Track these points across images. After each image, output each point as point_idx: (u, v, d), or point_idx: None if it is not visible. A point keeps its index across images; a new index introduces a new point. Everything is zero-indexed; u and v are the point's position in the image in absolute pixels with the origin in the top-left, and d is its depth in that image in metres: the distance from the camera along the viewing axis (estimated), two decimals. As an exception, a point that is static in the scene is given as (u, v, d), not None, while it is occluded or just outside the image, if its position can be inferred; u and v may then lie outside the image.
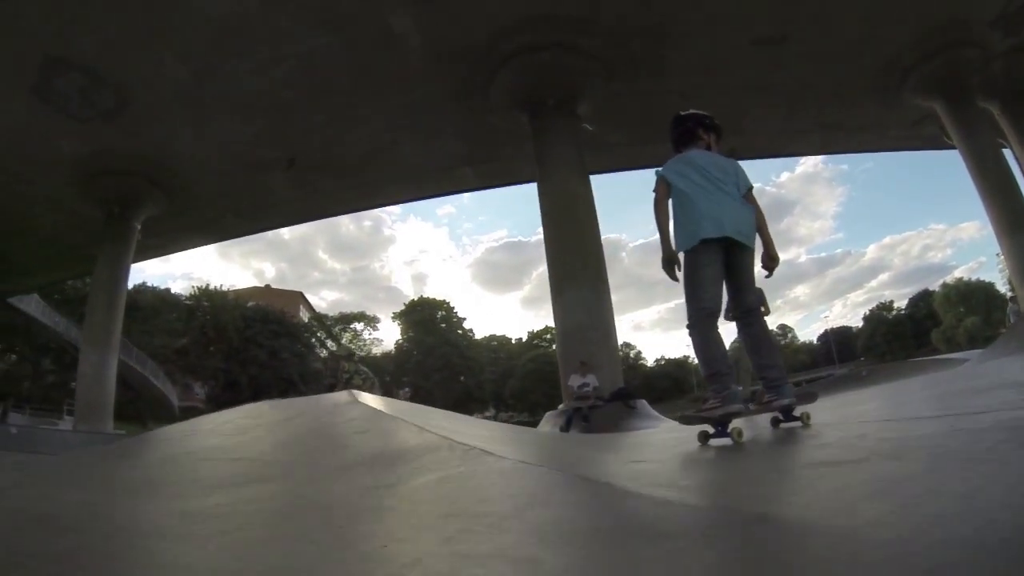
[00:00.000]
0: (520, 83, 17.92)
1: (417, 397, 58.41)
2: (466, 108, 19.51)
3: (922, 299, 72.73)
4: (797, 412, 3.57)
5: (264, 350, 41.46)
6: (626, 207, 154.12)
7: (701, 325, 3.56)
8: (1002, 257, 26.63)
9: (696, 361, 4.28)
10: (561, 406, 14.62)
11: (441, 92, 18.95)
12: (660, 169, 3.82)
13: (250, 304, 47.79)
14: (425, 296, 71.50)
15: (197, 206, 24.00)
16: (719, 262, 3.60)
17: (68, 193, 22.01)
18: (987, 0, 18.03)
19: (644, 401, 14.68)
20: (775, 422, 3.67)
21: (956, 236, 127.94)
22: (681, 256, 3.64)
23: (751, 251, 3.70)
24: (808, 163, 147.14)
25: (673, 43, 17.74)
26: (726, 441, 3.20)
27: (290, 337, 43.80)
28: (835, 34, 18.18)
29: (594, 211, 17.69)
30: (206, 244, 30.46)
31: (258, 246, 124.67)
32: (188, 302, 44.61)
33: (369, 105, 19.32)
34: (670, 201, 3.76)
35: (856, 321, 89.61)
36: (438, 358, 59.77)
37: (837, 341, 78.96)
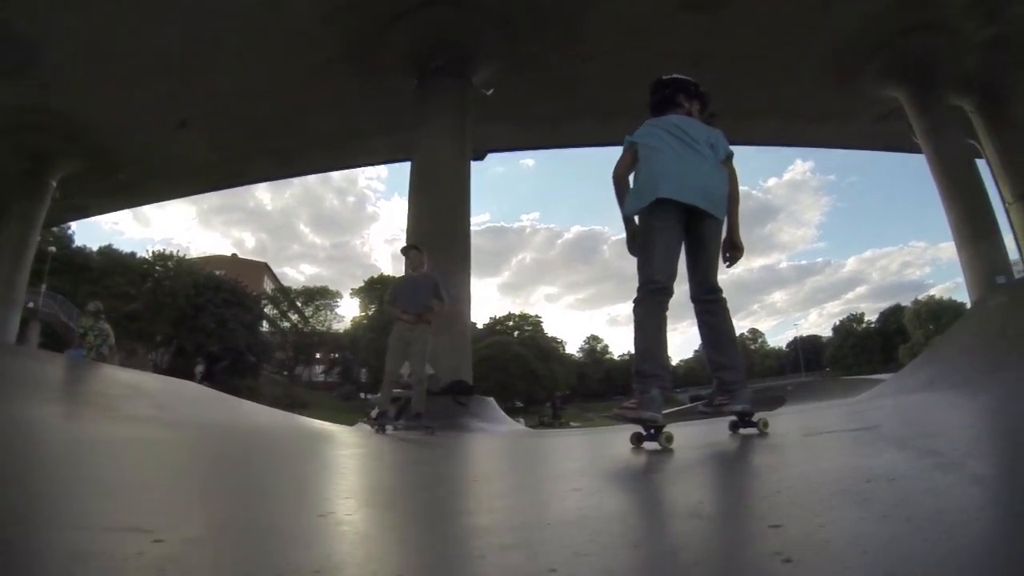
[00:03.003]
0: (409, 44, 16.28)
1: (372, 376, 57.16)
2: (364, 73, 17.95)
3: (893, 314, 72.06)
4: (755, 418, 3.35)
5: (213, 319, 40.04)
6: (611, 199, 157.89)
7: (647, 304, 3.20)
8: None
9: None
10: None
11: (336, 55, 17.46)
12: (629, 135, 3.47)
13: (217, 272, 46.62)
14: (389, 275, 70.03)
15: (117, 167, 22.88)
16: (676, 229, 3.24)
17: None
18: (963, -22, 15.79)
19: (491, 400, 13.04)
20: (733, 427, 3.45)
21: (936, 255, 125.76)
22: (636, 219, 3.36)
23: (718, 223, 3.31)
24: (796, 170, 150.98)
25: (587, 1, 15.66)
26: (654, 445, 3.02)
27: (242, 307, 42.18)
28: (779, 3, 16.02)
29: (466, 184, 16.09)
30: (133, 207, 29.92)
31: (240, 215, 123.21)
32: (143, 266, 43.31)
33: (266, 68, 18.01)
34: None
35: (829, 331, 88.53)
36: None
37: (806, 350, 79.00)
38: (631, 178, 3.40)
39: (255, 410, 9.43)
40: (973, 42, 17.88)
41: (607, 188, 3.47)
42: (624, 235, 3.43)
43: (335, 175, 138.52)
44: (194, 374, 32.33)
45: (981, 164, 19.50)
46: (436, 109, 15.78)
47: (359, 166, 24.89)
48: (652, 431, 3.04)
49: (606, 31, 16.45)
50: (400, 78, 17.16)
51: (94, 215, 30.13)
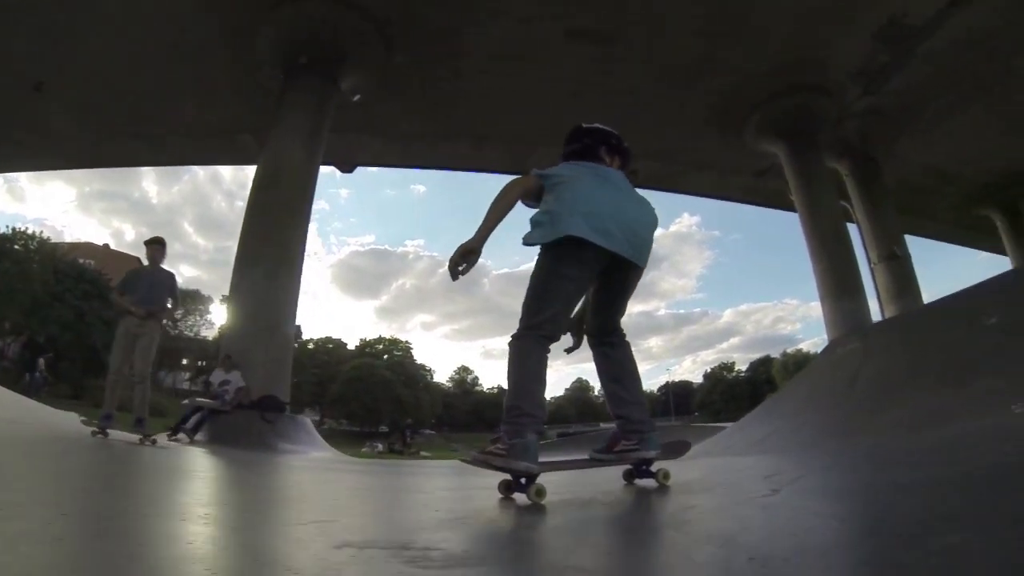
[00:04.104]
0: (280, 36, 15.29)
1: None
2: (237, 63, 16.69)
3: (763, 364, 76.42)
4: (654, 467, 2.93)
5: (72, 311, 36.73)
6: (494, 235, 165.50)
7: (528, 343, 2.69)
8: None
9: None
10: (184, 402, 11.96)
11: (213, 39, 16.11)
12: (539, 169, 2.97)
13: (82, 261, 43.08)
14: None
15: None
16: (585, 281, 2.80)
17: None
18: (848, 48, 16.19)
19: (306, 420, 12.19)
20: (628, 476, 3.03)
21: (807, 313, 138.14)
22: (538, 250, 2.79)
23: (640, 271, 2.91)
24: (683, 223, 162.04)
25: (472, 17, 15.11)
26: (524, 499, 2.52)
27: (104, 301, 39.04)
28: (669, 45, 16.00)
29: (309, 190, 15.07)
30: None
31: (122, 205, 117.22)
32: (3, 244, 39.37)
33: (136, 43, 16.33)
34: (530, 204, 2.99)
35: (700, 378, 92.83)
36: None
37: (676, 394, 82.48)
38: (537, 209, 2.90)
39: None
40: (853, 109, 18.45)
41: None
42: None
43: (227, 177, 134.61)
44: (36, 367, 29.35)
45: (852, 227, 20.08)
46: (293, 107, 14.79)
47: (225, 164, 23.33)
48: (523, 481, 2.62)
49: (489, 51, 15.98)
50: (271, 73, 16.11)
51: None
